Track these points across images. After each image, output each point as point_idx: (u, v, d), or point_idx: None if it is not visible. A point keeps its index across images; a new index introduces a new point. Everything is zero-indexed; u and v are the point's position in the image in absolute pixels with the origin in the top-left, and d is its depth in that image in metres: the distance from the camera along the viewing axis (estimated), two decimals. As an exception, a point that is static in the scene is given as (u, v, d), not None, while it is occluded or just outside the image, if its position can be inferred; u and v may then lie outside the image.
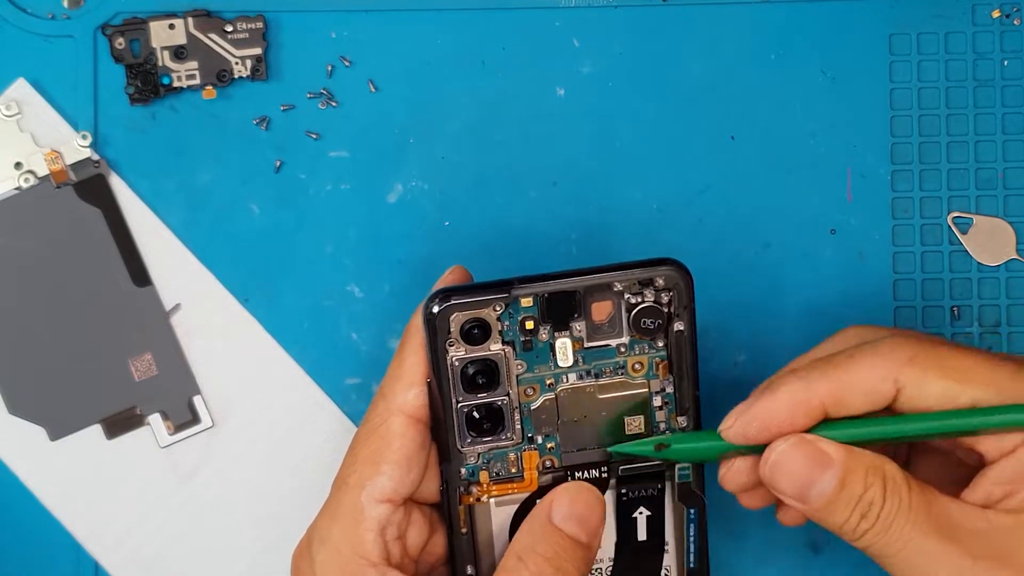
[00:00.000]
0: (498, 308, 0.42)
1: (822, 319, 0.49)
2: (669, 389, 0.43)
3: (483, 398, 0.42)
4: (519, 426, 0.43)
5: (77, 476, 0.49)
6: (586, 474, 0.43)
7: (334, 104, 0.50)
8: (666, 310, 0.42)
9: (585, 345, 0.42)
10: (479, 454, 0.43)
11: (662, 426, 0.43)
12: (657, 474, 0.44)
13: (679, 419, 0.43)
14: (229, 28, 0.49)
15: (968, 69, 0.50)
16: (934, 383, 0.39)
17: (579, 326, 0.42)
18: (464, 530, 0.43)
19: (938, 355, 0.39)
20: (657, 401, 0.43)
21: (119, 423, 0.49)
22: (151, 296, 0.49)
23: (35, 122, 0.49)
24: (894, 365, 0.39)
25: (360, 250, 0.50)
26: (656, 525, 0.44)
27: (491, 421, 0.43)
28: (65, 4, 0.49)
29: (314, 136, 0.50)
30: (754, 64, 0.50)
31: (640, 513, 0.44)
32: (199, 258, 0.50)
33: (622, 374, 0.43)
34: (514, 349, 0.42)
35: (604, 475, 0.44)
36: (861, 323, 0.47)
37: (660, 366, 0.43)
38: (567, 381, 0.43)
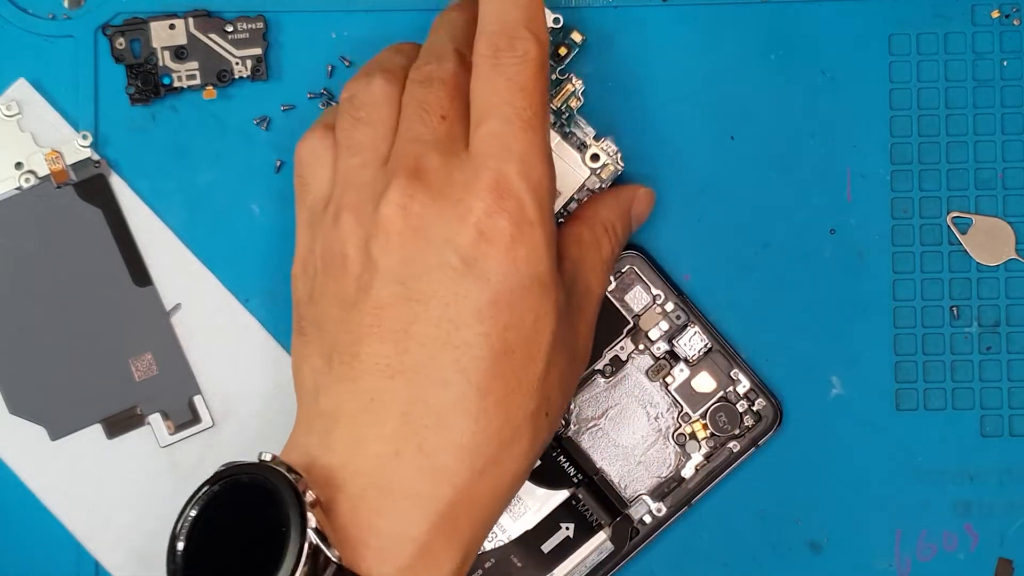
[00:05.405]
0: None
1: (822, 319, 0.49)
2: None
3: None
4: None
5: (77, 476, 0.49)
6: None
7: (335, 104, 0.50)
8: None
9: None
10: None
11: None
12: (623, 521, 0.46)
13: None
14: (229, 28, 0.49)
15: (967, 69, 0.50)
16: None
17: None
18: None
19: None
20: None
21: (119, 423, 0.49)
22: (151, 296, 0.49)
23: (36, 122, 0.49)
24: None
25: (360, 250, 0.50)
26: (565, 549, 0.45)
27: None
28: (65, 4, 0.49)
29: (314, 136, 0.50)
30: (754, 64, 0.50)
31: (566, 528, 0.45)
32: (199, 258, 0.50)
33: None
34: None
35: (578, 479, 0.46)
36: (860, 323, 0.47)
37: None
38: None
